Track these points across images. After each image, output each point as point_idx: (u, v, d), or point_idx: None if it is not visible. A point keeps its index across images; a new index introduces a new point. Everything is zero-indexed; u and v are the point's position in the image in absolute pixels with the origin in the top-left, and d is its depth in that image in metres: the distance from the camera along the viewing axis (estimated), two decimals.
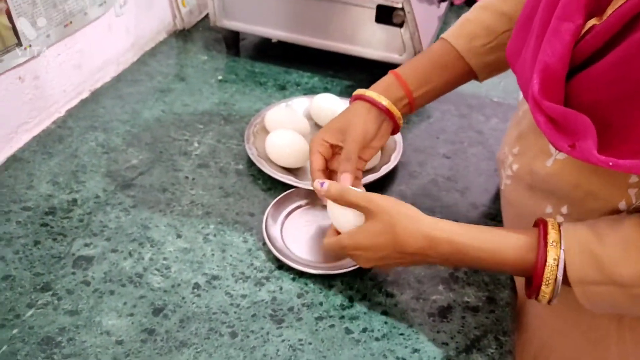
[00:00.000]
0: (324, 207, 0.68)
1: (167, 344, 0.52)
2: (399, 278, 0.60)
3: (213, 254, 0.62)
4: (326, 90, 0.91)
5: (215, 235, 0.64)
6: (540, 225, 0.47)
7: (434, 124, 0.86)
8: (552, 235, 0.45)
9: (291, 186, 0.69)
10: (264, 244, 0.62)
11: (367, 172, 0.72)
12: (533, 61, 0.44)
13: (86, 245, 0.61)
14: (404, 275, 0.61)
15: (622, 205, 0.46)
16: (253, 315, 0.55)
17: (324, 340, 0.54)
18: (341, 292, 0.59)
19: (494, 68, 0.64)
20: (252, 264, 0.61)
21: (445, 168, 0.77)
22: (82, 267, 0.59)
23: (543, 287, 0.45)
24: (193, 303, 0.56)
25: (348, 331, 0.55)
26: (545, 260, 0.44)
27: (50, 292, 0.56)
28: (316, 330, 0.55)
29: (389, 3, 0.82)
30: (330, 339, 0.54)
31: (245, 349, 0.52)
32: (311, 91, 0.91)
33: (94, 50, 0.85)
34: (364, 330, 0.55)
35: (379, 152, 0.75)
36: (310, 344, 0.53)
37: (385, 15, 0.84)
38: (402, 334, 0.55)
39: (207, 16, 1.11)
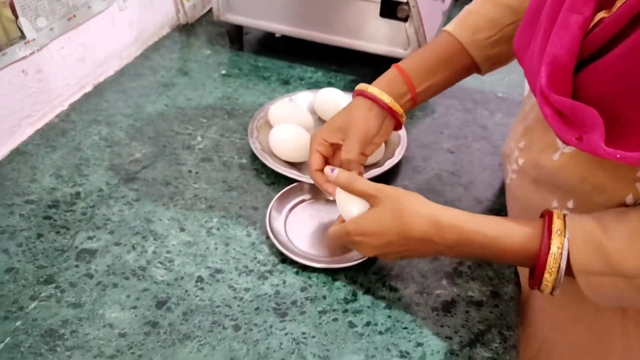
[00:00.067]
0: (328, 201, 0.68)
1: (171, 336, 0.52)
2: (403, 272, 0.60)
3: (216, 248, 0.61)
4: (330, 84, 0.91)
5: (218, 229, 0.64)
6: (546, 215, 0.47)
7: (438, 119, 0.86)
8: (557, 224, 0.45)
9: (294, 180, 0.69)
10: (267, 237, 0.62)
11: (371, 166, 0.71)
12: (541, 54, 0.43)
13: (89, 238, 0.61)
14: (407, 269, 0.61)
15: (629, 199, 0.46)
16: (256, 309, 0.55)
17: (328, 333, 0.54)
18: (345, 285, 0.58)
19: (497, 61, 0.63)
20: (255, 258, 0.61)
21: (449, 163, 0.77)
22: (85, 260, 0.59)
23: (546, 276, 0.45)
24: (196, 296, 0.56)
25: (351, 325, 0.55)
26: (549, 249, 0.44)
27: (54, 285, 0.56)
28: (320, 323, 0.54)
29: None
30: (333, 332, 0.54)
31: (249, 342, 0.52)
32: (315, 86, 0.91)
33: (97, 44, 0.85)
34: (368, 324, 0.55)
35: (383, 146, 0.75)
36: (313, 337, 0.53)
37: (389, 10, 0.83)
38: (405, 328, 0.55)
39: (210, 10, 1.10)
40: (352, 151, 0.59)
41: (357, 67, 0.96)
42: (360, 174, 0.62)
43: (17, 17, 0.68)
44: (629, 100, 0.40)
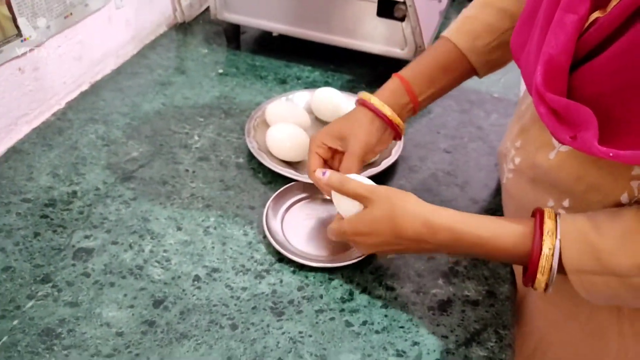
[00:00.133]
0: (324, 200, 0.68)
1: (168, 335, 0.52)
2: (399, 272, 0.61)
3: (213, 247, 0.61)
4: (327, 84, 0.91)
5: (215, 228, 0.64)
6: (537, 214, 0.47)
7: (434, 119, 0.86)
8: (548, 224, 0.46)
9: (291, 180, 0.69)
10: (264, 237, 0.62)
11: (367, 166, 0.72)
12: (537, 53, 0.44)
13: (86, 237, 0.61)
14: (404, 269, 0.61)
15: (624, 198, 0.46)
16: (253, 308, 0.55)
17: (324, 332, 0.54)
18: (341, 285, 0.59)
19: (495, 64, 0.64)
20: (252, 257, 0.61)
21: (445, 163, 0.77)
22: (82, 259, 0.59)
23: (538, 276, 0.45)
24: (193, 295, 0.56)
25: (348, 324, 0.55)
26: (541, 249, 0.45)
27: (51, 284, 0.56)
28: (316, 323, 0.55)
29: None
30: (330, 331, 0.54)
31: (246, 341, 0.52)
32: (312, 85, 0.91)
33: (94, 42, 0.85)
34: (364, 323, 0.55)
35: None
36: (310, 336, 0.53)
37: (386, 9, 0.84)
38: (402, 327, 0.55)
39: (207, 9, 1.10)
40: (353, 163, 0.60)
41: (354, 66, 0.96)
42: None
43: (13, 15, 0.68)
44: (623, 100, 0.40)
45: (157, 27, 1.02)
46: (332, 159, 0.63)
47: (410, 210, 0.51)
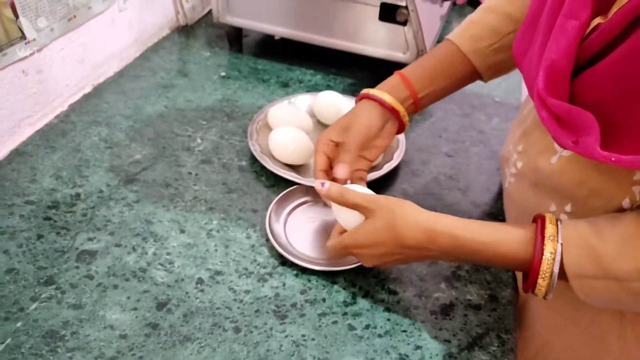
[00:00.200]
0: (327, 204, 0.68)
1: (171, 338, 0.52)
2: (402, 276, 0.61)
3: (216, 250, 0.62)
4: (329, 87, 0.92)
5: (218, 231, 0.64)
6: (538, 220, 0.47)
7: (436, 123, 0.86)
8: (549, 229, 0.46)
9: (294, 183, 0.69)
10: (267, 240, 0.63)
11: (370, 170, 0.72)
12: (539, 59, 0.44)
13: (90, 239, 0.61)
14: (406, 273, 0.61)
15: (625, 203, 0.46)
16: (256, 311, 0.55)
17: (327, 336, 0.54)
18: (344, 288, 0.59)
19: (499, 69, 0.64)
20: (255, 260, 0.61)
21: (447, 167, 0.77)
22: (85, 261, 0.59)
23: (539, 281, 0.45)
24: (197, 298, 0.56)
25: (351, 327, 0.55)
26: (542, 254, 0.45)
27: (54, 286, 0.56)
28: (319, 326, 0.55)
29: (392, 1, 0.82)
30: (333, 335, 0.54)
31: (249, 344, 0.52)
32: (314, 88, 0.91)
33: (97, 45, 0.85)
34: (367, 326, 0.55)
35: None
36: (313, 339, 0.53)
37: (388, 13, 0.84)
38: (404, 331, 0.55)
39: (209, 12, 1.11)
40: (351, 144, 0.60)
41: (356, 70, 0.96)
42: (363, 179, 0.63)
43: (17, 17, 0.68)
44: (624, 105, 0.40)
45: (160, 30, 1.02)
46: (337, 159, 0.63)
47: (410, 218, 0.51)
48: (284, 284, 0.59)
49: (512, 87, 0.95)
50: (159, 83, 0.89)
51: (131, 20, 0.93)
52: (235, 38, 0.99)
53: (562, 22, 0.42)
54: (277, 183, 0.71)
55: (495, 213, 0.70)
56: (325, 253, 0.62)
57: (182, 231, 0.63)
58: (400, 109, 0.62)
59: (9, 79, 0.70)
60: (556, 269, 0.45)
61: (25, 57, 0.72)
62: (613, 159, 0.39)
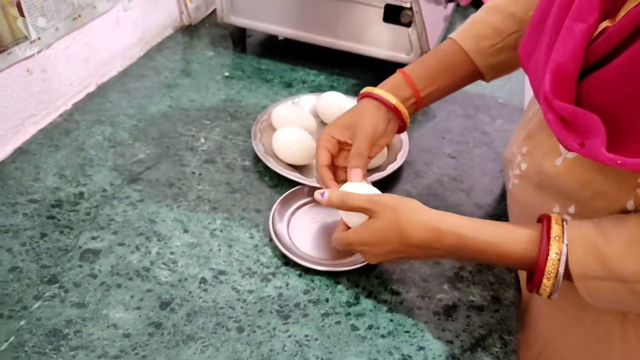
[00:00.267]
0: None
1: (174, 337, 0.52)
2: (405, 276, 0.61)
3: (220, 249, 0.62)
4: (332, 88, 0.92)
5: (221, 231, 0.64)
6: (544, 220, 0.47)
7: (439, 124, 0.86)
8: (555, 230, 0.46)
9: (297, 183, 0.69)
10: (270, 240, 0.63)
11: (373, 170, 0.72)
12: (545, 61, 0.44)
13: (93, 238, 0.61)
14: (409, 273, 0.61)
15: (630, 205, 0.46)
16: (260, 311, 0.56)
17: (330, 336, 0.54)
18: (347, 289, 0.59)
19: (501, 69, 0.64)
20: (258, 260, 0.61)
21: (450, 168, 0.77)
22: (89, 260, 0.59)
23: (544, 281, 0.45)
24: (200, 297, 0.56)
25: (354, 328, 0.55)
26: (548, 254, 0.45)
27: (57, 285, 0.56)
28: (322, 326, 0.55)
29: (397, 2, 0.82)
30: (336, 335, 0.54)
31: (252, 344, 0.52)
32: (317, 89, 0.91)
33: (101, 44, 0.86)
34: (370, 327, 0.55)
35: (385, 150, 0.75)
36: (316, 340, 0.53)
37: (393, 15, 0.84)
38: (407, 332, 0.55)
39: (213, 12, 1.11)
40: (362, 148, 0.59)
41: (359, 71, 0.97)
42: (365, 176, 0.63)
43: (23, 17, 0.69)
44: (631, 107, 0.41)
45: (164, 29, 1.02)
46: (339, 154, 0.63)
47: (415, 217, 0.51)
48: (287, 284, 0.59)
49: (516, 88, 0.95)
50: (162, 82, 0.89)
51: (135, 19, 0.93)
52: (239, 38, 0.99)
53: (570, 25, 0.42)
54: (281, 183, 0.71)
55: (499, 214, 0.70)
56: (328, 252, 0.62)
57: (186, 231, 0.63)
58: (404, 110, 0.62)
59: (14, 77, 0.70)
60: (561, 270, 0.45)
61: (30, 56, 0.72)
62: (619, 161, 0.39)
